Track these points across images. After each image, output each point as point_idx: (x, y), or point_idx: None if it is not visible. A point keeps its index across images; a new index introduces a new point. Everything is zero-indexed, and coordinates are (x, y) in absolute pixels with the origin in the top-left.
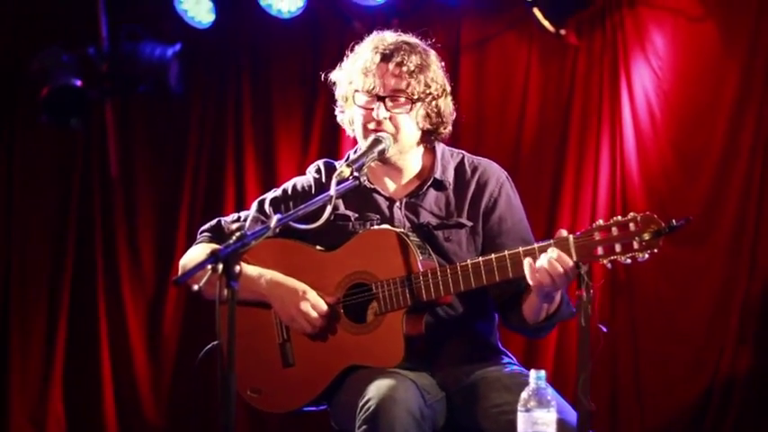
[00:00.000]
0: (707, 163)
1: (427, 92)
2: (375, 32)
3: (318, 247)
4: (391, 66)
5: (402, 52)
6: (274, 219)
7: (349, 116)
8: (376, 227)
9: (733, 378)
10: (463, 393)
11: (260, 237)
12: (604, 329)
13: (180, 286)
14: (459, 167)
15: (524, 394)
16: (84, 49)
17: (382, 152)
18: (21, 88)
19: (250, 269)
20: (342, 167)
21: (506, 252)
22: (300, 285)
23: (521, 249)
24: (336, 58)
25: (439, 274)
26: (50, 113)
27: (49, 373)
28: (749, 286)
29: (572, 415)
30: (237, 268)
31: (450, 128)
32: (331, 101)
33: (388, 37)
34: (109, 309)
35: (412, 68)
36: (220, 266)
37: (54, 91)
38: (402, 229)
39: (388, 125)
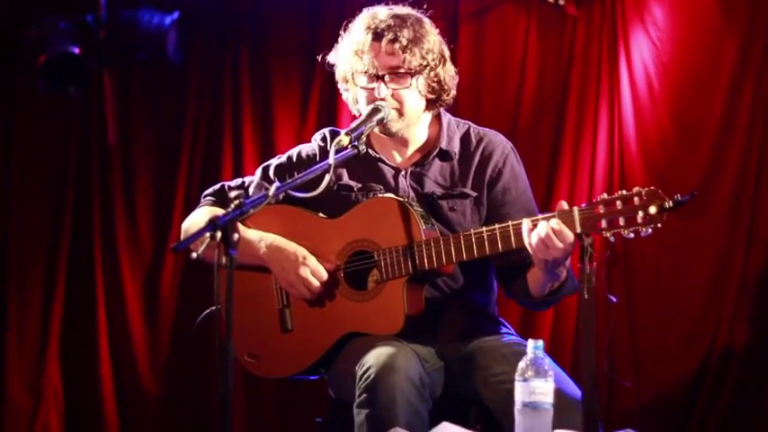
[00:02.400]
0: (705, 134)
1: (424, 63)
2: (366, 9)
3: (321, 215)
4: (384, 43)
5: (394, 28)
6: (273, 187)
7: (353, 95)
8: (379, 195)
9: (730, 349)
10: (461, 362)
11: (259, 205)
12: (614, 300)
13: (178, 253)
14: (465, 138)
15: (522, 364)
16: (82, 16)
17: (381, 120)
18: (18, 56)
19: (250, 233)
20: (341, 136)
21: (510, 222)
22: (300, 251)
23: (524, 220)
24: (335, 28)
25: (441, 243)
26: (48, 81)
27: (45, 342)
28: (747, 257)
29: (570, 385)
30: (236, 236)
31: (453, 92)
32: (329, 70)
33: (380, 13)
34: (106, 277)
35: (405, 43)
36: (219, 234)
37: (52, 59)
38: (405, 198)
39: (391, 101)
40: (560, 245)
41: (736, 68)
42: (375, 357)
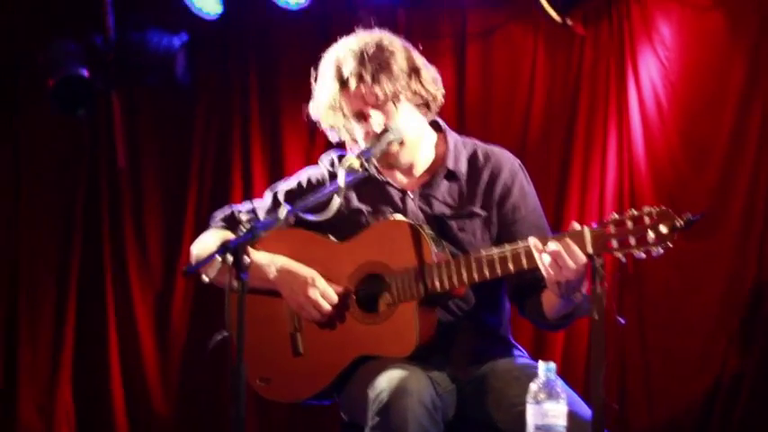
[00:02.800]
0: (715, 153)
1: (398, 86)
2: (331, 49)
3: (332, 238)
4: (353, 88)
5: (356, 68)
6: (284, 210)
7: (349, 137)
8: (390, 217)
9: (742, 370)
10: (473, 385)
11: (270, 228)
12: (623, 322)
13: (189, 277)
14: (472, 157)
15: (534, 386)
16: (90, 38)
17: (390, 143)
18: (27, 79)
19: (260, 256)
20: (351, 159)
21: (520, 243)
22: (310, 272)
23: (531, 240)
24: None
25: (453, 265)
26: (57, 103)
27: (57, 363)
28: (758, 276)
29: (583, 407)
30: (247, 260)
31: (441, 92)
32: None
33: (341, 53)
34: (117, 299)
35: (371, 79)
36: (230, 258)
37: (61, 81)
38: (415, 221)
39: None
40: (572, 265)
41: (745, 86)
42: (387, 380)
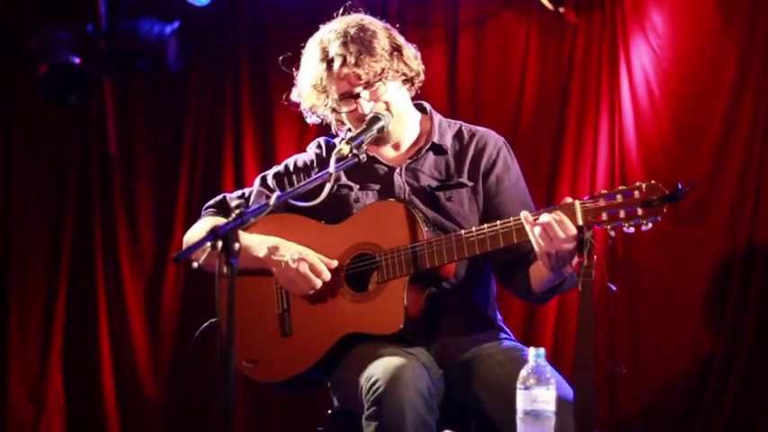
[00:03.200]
0: (706, 141)
1: (382, 66)
2: (316, 34)
3: (322, 222)
4: (337, 69)
5: (340, 49)
6: (274, 196)
7: (335, 120)
8: (381, 200)
9: (732, 354)
10: (460, 370)
11: (259, 214)
12: (614, 288)
13: (180, 263)
14: (458, 134)
15: (523, 372)
16: (82, 26)
17: (381, 129)
18: (19, 66)
19: (250, 237)
20: (341, 145)
21: (511, 218)
22: (300, 248)
23: (524, 212)
24: None
25: (443, 241)
26: (49, 91)
27: (47, 350)
28: (747, 263)
29: (565, 387)
30: (237, 245)
31: (422, 68)
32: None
33: (324, 37)
34: (108, 286)
35: (355, 60)
36: (220, 244)
37: (52, 68)
38: (404, 196)
39: (379, 107)
40: (562, 235)
41: (737, 75)
42: (383, 369)
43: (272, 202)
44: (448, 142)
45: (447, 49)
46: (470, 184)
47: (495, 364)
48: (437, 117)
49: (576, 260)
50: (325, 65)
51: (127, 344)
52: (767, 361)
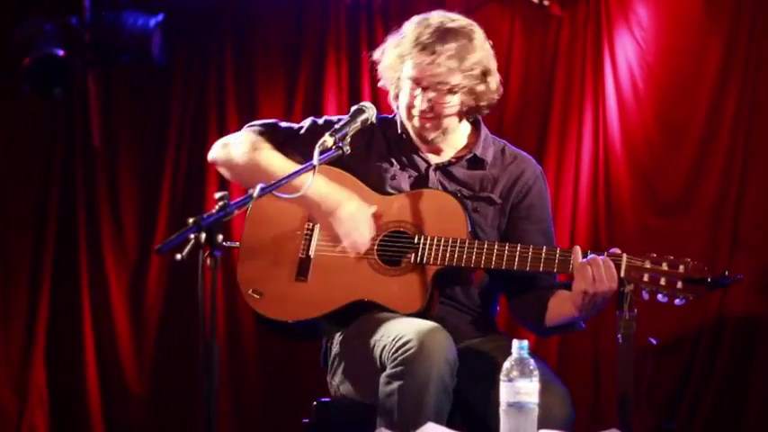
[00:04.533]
0: (690, 134)
1: (464, 82)
2: (418, 17)
3: (370, 188)
4: (431, 56)
5: (438, 43)
6: (258, 188)
7: (395, 90)
8: (439, 190)
9: (715, 350)
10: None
11: (243, 206)
12: (654, 342)
13: (162, 255)
14: (501, 152)
15: (507, 364)
16: (66, 18)
17: (366, 121)
18: (2, 58)
19: (331, 184)
20: (325, 137)
21: (558, 248)
22: (368, 208)
23: (575, 247)
24: (320, 26)
25: (485, 246)
26: (33, 83)
27: (31, 343)
28: (731, 256)
29: (556, 379)
30: (220, 237)
31: (496, 98)
32: (313, 71)
33: (432, 22)
34: (91, 278)
35: (446, 60)
36: (203, 236)
37: (36, 61)
38: (461, 197)
39: (427, 113)
40: (606, 280)
41: (721, 68)
42: (415, 331)
43: (255, 193)
44: (489, 157)
45: None
46: (499, 202)
47: (479, 354)
48: (484, 131)
49: (603, 304)
50: (420, 46)
51: (110, 336)
52: (751, 352)
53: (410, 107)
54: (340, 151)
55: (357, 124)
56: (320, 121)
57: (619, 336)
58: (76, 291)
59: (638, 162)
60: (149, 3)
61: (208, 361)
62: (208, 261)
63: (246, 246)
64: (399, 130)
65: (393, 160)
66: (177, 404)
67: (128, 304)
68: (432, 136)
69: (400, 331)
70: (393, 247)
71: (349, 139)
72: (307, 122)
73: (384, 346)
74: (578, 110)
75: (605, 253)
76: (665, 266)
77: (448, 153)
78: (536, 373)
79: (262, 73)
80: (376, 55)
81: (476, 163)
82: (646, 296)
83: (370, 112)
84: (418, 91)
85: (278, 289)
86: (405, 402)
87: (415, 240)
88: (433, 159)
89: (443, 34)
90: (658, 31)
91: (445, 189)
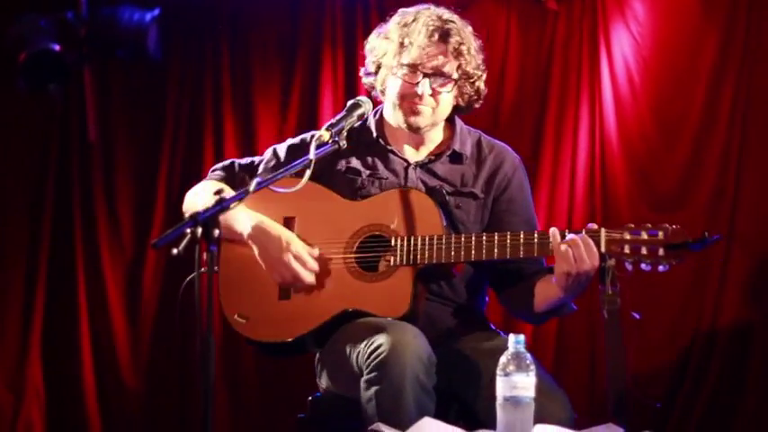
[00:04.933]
0: (686, 129)
1: (470, 73)
2: (423, 6)
3: (340, 196)
4: (442, 45)
5: (453, 33)
6: (254, 182)
7: (380, 81)
8: (409, 188)
9: (711, 343)
10: (442, 358)
11: (238, 201)
12: (637, 317)
13: (159, 250)
14: (478, 145)
15: (503, 358)
16: (62, 13)
17: (361, 116)
18: None
19: (239, 213)
20: (321, 131)
21: (535, 232)
22: (285, 236)
23: (552, 228)
24: (315, 22)
25: (462, 239)
26: (28, 79)
27: (27, 340)
28: (727, 251)
29: (549, 380)
30: (216, 232)
31: (476, 106)
32: (309, 67)
33: (440, 12)
34: (87, 274)
35: (459, 48)
36: (199, 230)
37: (32, 56)
38: (435, 192)
39: (428, 100)
40: (587, 258)
41: (717, 63)
42: (385, 335)
43: (251, 188)
44: (467, 151)
45: None
46: (482, 196)
47: (477, 350)
48: (459, 125)
49: (586, 281)
50: (430, 32)
51: (107, 332)
52: (746, 350)
53: (405, 95)
54: (336, 145)
55: (353, 118)
56: (281, 146)
57: (604, 311)
58: (72, 287)
59: (635, 157)
60: None
61: (204, 356)
62: (204, 255)
63: (225, 272)
64: (375, 134)
65: (361, 169)
66: (174, 400)
67: (124, 300)
68: (424, 123)
69: (372, 335)
70: (371, 252)
71: (345, 134)
72: (267, 151)
73: (359, 352)
74: (574, 105)
75: (583, 230)
76: (644, 235)
77: (425, 150)
78: (532, 367)
79: (258, 69)
80: (373, 41)
81: (455, 158)
82: (629, 267)
83: (366, 107)
84: (420, 77)
85: (263, 311)
86: (383, 406)
87: (392, 243)
88: (412, 158)
89: (449, 27)
90: (654, 25)
91: (426, 186)
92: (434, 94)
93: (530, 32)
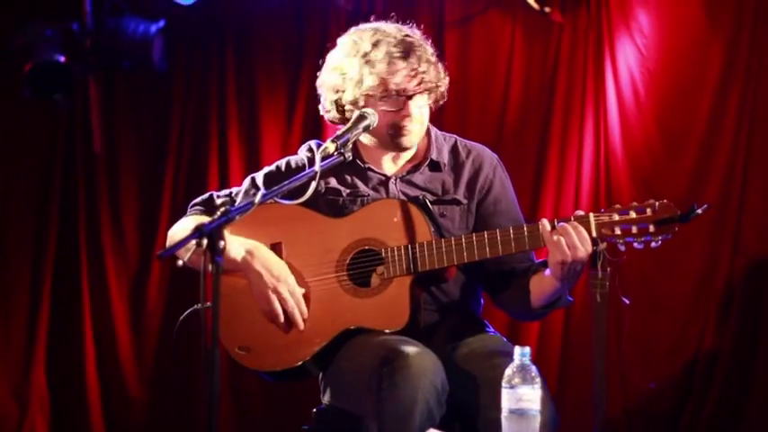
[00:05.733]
0: (691, 140)
1: (440, 79)
2: (361, 28)
3: (325, 215)
4: (413, 62)
5: (416, 48)
6: (259, 194)
7: (339, 113)
8: (392, 198)
9: (716, 354)
10: (448, 366)
11: (244, 212)
12: (627, 301)
13: (164, 261)
14: (454, 150)
15: (508, 371)
16: (67, 24)
17: (367, 127)
18: (3, 63)
19: (233, 237)
20: (327, 143)
21: (524, 225)
22: (276, 268)
23: (542, 220)
24: (321, 31)
25: (453, 242)
26: (34, 89)
27: (31, 348)
28: (732, 263)
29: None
30: (222, 243)
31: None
32: (314, 74)
33: (392, 32)
34: (92, 284)
35: (428, 60)
36: (205, 242)
37: (37, 66)
38: (418, 200)
39: (416, 119)
40: (579, 244)
41: (722, 75)
42: (400, 355)
43: (257, 200)
44: (445, 158)
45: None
46: (465, 201)
47: (479, 356)
48: (433, 131)
49: (581, 268)
50: (397, 54)
51: (111, 342)
52: (752, 359)
53: (393, 122)
54: (341, 157)
55: (359, 130)
56: (258, 174)
57: (597, 295)
58: (77, 296)
59: (640, 168)
60: (150, 9)
61: (209, 367)
62: (209, 267)
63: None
64: (350, 155)
65: (341, 188)
66: (178, 410)
67: (128, 310)
68: (416, 140)
69: (387, 355)
70: (363, 267)
71: (350, 146)
72: (245, 181)
73: (372, 370)
74: (579, 116)
75: (572, 217)
76: (633, 215)
77: (402, 162)
78: (538, 380)
79: (263, 78)
80: (329, 81)
81: (434, 167)
82: (622, 248)
83: (372, 119)
84: (405, 103)
85: (263, 340)
86: (388, 423)
87: (383, 255)
88: (390, 172)
89: (410, 41)
90: (659, 37)
91: (408, 197)
92: (421, 110)
93: (535, 44)
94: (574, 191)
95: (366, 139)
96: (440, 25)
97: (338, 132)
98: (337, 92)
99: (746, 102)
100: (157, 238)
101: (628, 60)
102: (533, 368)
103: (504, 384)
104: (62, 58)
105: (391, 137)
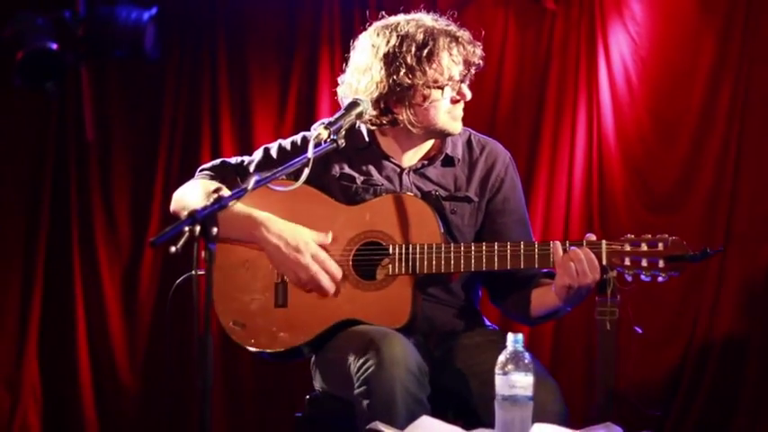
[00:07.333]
0: (683, 129)
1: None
2: (411, 18)
3: (336, 200)
4: (464, 46)
5: (458, 32)
6: (252, 180)
7: (384, 103)
8: (407, 194)
9: (708, 344)
10: (441, 356)
11: (237, 198)
12: (640, 331)
13: (157, 248)
14: (468, 145)
15: (502, 357)
16: (59, 12)
17: (360, 114)
18: None
19: (245, 208)
20: (319, 130)
21: (536, 243)
22: (301, 234)
23: (554, 242)
24: (313, 20)
25: (462, 249)
26: (25, 77)
27: (24, 338)
28: (725, 252)
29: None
30: (215, 230)
31: None
32: (307, 66)
33: (426, 20)
34: (84, 273)
35: (471, 45)
36: (198, 228)
37: (29, 54)
38: (432, 199)
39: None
40: (589, 272)
41: (715, 63)
42: (373, 349)
43: (249, 186)
44: (459, 153)
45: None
46: (476, 200)
47: (474, 347)
48: None
49: (586, 292)
50: (453, 43)
51: (103, 331)
52: (745, 347)
53: (455, 107)
54: (334, 144)
55: (352, 117)
56: (272, 146)
57: (606, 323)
58: (69, 285)
59: (632, 156)
60: None
61: (202, 355)
62: (202, 254)
63: (217, 278)
64: (367, 139)
65: (356, 175)
66: (170, 399)
67: (121, 298)
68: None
69: (361, 350)
70: (368, 259)
71: (344, 132)
72: (258, 151)
73: (349, 364)
74: (572, 104)
75: (584, 242)
76: (644, 247)
77: (418, 155)
78: (531, 366)
79: (255, 68)
80: (350, 72)
81: (447, 161)
82: (629, 279)
83: (365, 106)
84: (463, 86)
85: (258, 319)
86: (374, 418)
87: (390, 251)
88: (405, 164)
89: (451, 28)
90: (652, 25)
91: (421, 191)
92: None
93: (527, 32)
94: (566, 179)
95: (392, 132)
96: (433, 12)
97: (331, 118)
98: (394, 87)
99: (739, 90)
100: (150, 226)
101: (620, 48)
102: (527, 355)
103: (497, 371)
104: (54, 46)
105: (445, 123)
